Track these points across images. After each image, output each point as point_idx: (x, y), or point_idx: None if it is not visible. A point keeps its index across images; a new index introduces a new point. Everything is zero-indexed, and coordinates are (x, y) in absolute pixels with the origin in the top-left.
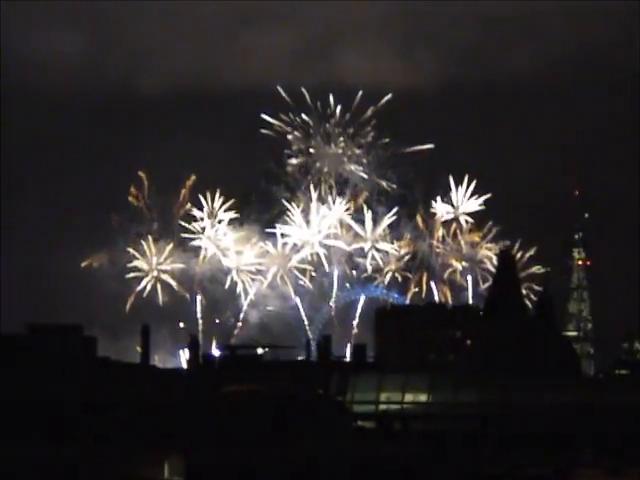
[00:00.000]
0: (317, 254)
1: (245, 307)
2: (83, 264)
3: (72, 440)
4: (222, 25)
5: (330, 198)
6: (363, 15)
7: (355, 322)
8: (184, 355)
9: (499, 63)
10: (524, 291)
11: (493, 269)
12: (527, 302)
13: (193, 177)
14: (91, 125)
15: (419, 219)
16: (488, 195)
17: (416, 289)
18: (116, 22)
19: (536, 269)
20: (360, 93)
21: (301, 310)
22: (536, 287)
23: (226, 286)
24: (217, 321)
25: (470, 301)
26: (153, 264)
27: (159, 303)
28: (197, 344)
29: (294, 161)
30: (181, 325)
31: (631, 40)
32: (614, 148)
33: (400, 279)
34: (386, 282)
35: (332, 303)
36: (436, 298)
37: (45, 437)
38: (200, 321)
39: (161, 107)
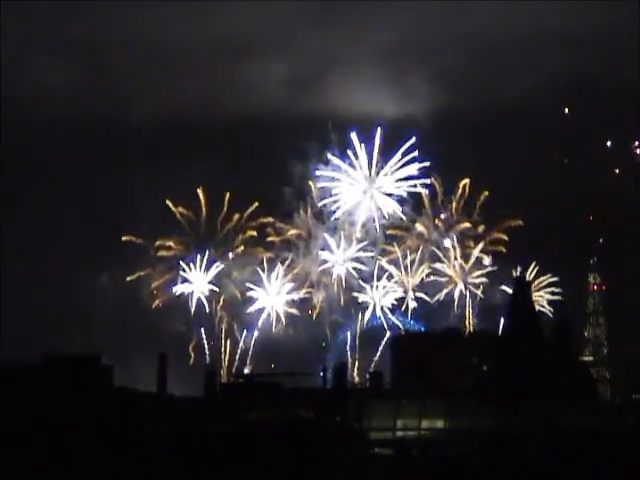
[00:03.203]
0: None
1: (254, 336)
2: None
3: (92, 470)
4: (215, 56)
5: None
6: (356, 44)
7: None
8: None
9: (493, 89)
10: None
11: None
12: (543, 327)
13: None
14: (84, 155)
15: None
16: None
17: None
18: (109, 53)
19: (550, 293)
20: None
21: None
22: (551, 313)
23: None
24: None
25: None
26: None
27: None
28: (214, 372)
29: (290, 189)
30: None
31: (620, 65)
32: (623, 172)
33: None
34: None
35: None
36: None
37: (64, 468)
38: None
39: (155, 137)
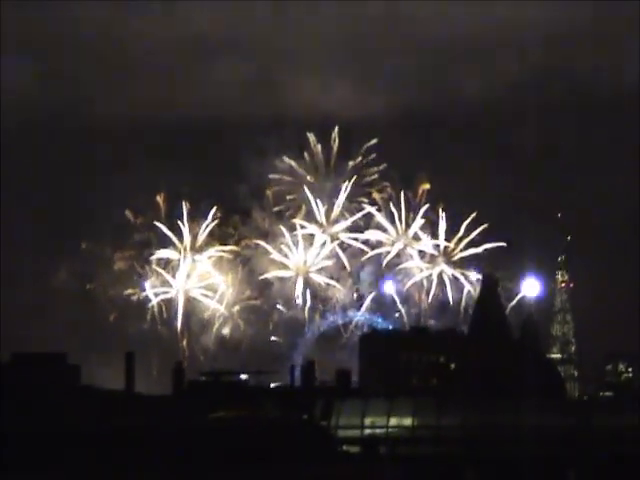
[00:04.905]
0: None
1: (218, 334)
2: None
3: (57, 470)
4: (174, 57)
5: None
6: (315, 45)
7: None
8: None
9: (450, 90)
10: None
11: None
12: (511, 325)
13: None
14: (43, 155)
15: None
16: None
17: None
18: (70, 53)
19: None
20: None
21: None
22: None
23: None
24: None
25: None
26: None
27: (138, 330)
28: (182, 370)
29: (246, 187)
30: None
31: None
32: (590, 171)
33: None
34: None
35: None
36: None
37: (30, 468)
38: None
39: (117, 138)
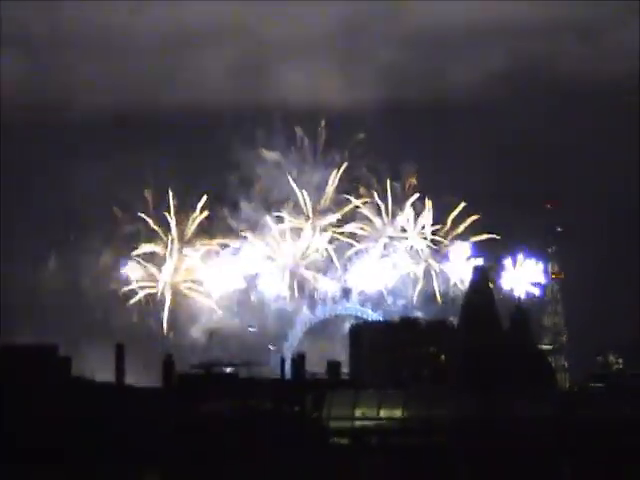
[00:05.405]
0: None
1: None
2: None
3: (50, 463)
4: (159, 45)
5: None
6: (303, 34)
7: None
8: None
9: (438, 83)
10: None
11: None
12: (500, 316)
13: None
14: (30, 144)
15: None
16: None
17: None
18: (53, 45)
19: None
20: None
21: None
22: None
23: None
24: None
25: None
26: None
27: (126, 324)
28: (172, 363)
29: (236, 178)
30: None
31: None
32: (581, 162)
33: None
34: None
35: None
36: None
37: (22, 460)
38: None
39: (98, 128)
